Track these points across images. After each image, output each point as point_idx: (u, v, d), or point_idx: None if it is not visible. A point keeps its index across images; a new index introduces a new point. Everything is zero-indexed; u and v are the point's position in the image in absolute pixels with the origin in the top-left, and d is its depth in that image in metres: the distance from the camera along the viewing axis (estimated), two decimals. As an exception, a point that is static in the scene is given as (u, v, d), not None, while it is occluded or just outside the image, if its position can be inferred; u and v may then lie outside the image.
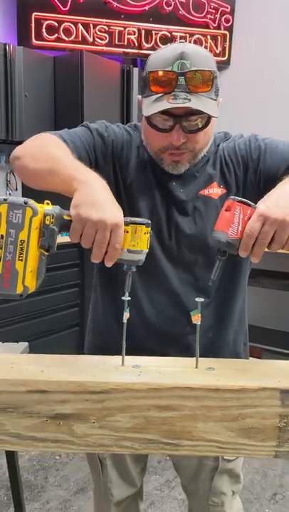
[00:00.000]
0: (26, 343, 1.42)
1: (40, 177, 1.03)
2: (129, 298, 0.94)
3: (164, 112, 1.05)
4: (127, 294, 0.93)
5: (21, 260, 0.86)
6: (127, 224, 0.88)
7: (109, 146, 1.19)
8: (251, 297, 4.46)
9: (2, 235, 0.85)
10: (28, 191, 3.99)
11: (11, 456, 1.41)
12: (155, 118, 1.08)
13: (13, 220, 0.84)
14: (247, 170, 1.18)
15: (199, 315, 0.94)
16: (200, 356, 0.96)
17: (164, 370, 0.94)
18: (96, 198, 0.88)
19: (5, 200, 0.85)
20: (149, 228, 0.90)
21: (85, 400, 0.89)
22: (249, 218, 0.88)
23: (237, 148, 1.20)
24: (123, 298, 0.93)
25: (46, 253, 0.88)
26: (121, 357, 0.96)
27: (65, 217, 0.89)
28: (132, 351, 0.96)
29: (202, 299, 0.93)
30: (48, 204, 0.90)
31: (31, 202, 0.86)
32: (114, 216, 0.86)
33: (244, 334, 1.33)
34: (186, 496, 1.43)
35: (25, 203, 0.85)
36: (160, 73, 1.04)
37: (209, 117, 1.08)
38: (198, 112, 1.05)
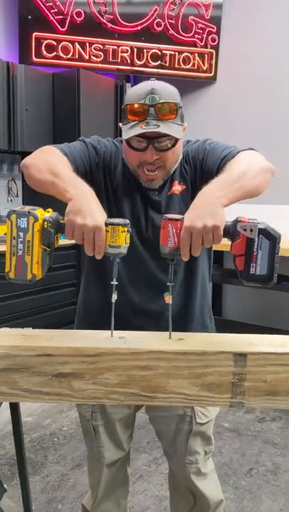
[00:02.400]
0: (31, 328, 1.63)
1: (43, 186, 1.27)
2: (117, 282, 1.18)
3: (139, 135, 1.29)
4: (114, 279, 1.17)
5: (29, 255, 1.11)
6: (107, 225, 1.12)
7: (101, 156, 1.44)
8: (238, 296, 4.72)
9: (14, 237, 1.11)
10: (27, 198, 4.26)
11: (16, 421, 1.63)
12: (132, 140, 1.33)
13: (20, 226, 1.10)
14: (196, 168, 1.42)
15: (170, 296, 1.19)
16: (175, 330, 1.20)
17: (143, 340, 1.17)
18: (82, 207, 1.12)
19: (14, 211, 1.12)
20: (126, 227, 1.13)
21: (82, 361, 1.11)
22: (180, 229, 1.09)
23: (190, 151, 1.44)
24: (112, 282, 1.17)
25: (48, 249, 1.14)
26: (110, 331, 1.19)
27: (61, 221, 1.15)
28: (119, 327, 1.19)
29: (173, 283, 1.18)
30: (48, 212, 1.16)
31: (33, 211, 1.11)
32: (95, 221, 1.09)
33: (208, 308, 1.56)
34: (167, 459, 1.64)
35: (29, 212, 1.11)
36: (135, 105, 1.29)
37: (176, 139, 1.33)
38: (166, 135, 1.30)
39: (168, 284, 1.17)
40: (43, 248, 1.13)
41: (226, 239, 1.15)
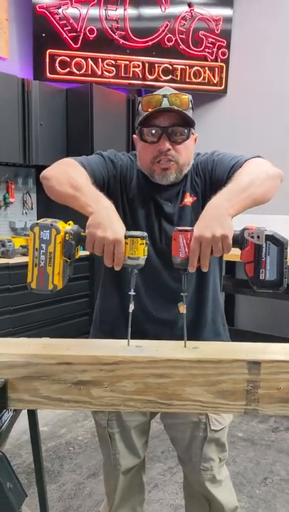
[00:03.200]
0: (48, 338, 1.66)
1: (63, 199, 1.32)
2: (134, 293, 1.21)
3: (152, 125, 1.37)
4: (132, 290, 1.21)
5: (50, 266, 1.15)
6: (126, 237, 1.16)
7: (118, 169, 1.49)
8: (250, 306, 4.74)
9: (36, 248, 1.15)
10: (41, 211, 4.33)
11: (34, 430, 1.66)
12: (146, 135, 1.39)
13: (43, 238, 1.14)
14: (206, 179, 1.47)
15: (184, 306, 1.22)
16: (188, 338, 1.22)
17: (160, 349, 1.20)
18: (102, 221, 1.17)
19: (37, 223, 1.16)
20: (144, 240, 1.16)
21: (100, 369, 1.14)
22: (190, 240, 1.14)
23: (199, 163, 1.49)
24: (130, 293, 1.21)
25: (69, 260, 1.18)
26: (126, 341, 1.23)
27: (82, 234, 1.19)
28: (134, 335, 1.22)
29: (186, 293, 1.21)
30: (69, 224, 1.20)
31: (55, 224, 1.15)
32: (115, 234, 1.14)
33: (221, 316, 1.59)
34: (181, 466, 1.66)
35: (51, 225, 1.15)
36: (149, 96, 1.37)
37: (188, 134, 1.40)
38: (179, 124, 1.37)
39: (182, 294, 1.21)
40: (64, 259, 1.16)
41: (236, 249, 1.18)
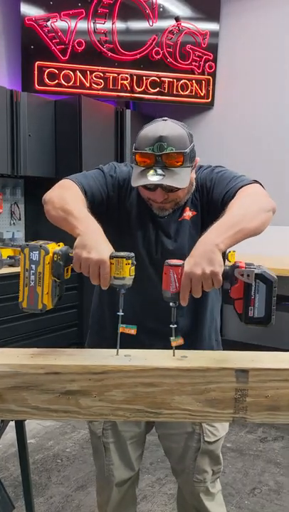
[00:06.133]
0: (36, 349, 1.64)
1: (58, 222, 1.35)
2: (123, 313, 1.23)
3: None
4: (120, 310, 1.22)
5: (40, 286, 1.18)
6: (112, 258, 1.18)
7: (116, 184, 1.50)
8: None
9: (27, 269, 1.18)
10: (29, 222, 4.30)
11: (22, 443, 1.65)
12: None
13: (33, 258, 1.18)
14: (203, 195, 1.48)
15: (177, 341, 1.22)
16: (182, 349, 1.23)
17: (148, 357, 1.21)
18: (88, 242, 1.19)
19: (27, 244, 1.19)
20: (130, 260, 1.18)
21: (89, 379, 1.14)
22: (181, 275, 1.15)
23: (199, 179, 1.50)
24: (118, 313, 1.22)
25: (58, 280, 1.21)
26: (115, 350, 1.23)
27: (70, 254, 1.21)
28: (128, 345, 1.23)
29: (176, 325, 1.22)
30: (59, 245, 1.22)
31: (45, 245, 1.18)
32: (99, 255, 1.16)
33: (215, 331, 1.61)
34: (175, 477, 1.66)
35: (40, 246, 1.18)
36: (144, 153, 1.35)
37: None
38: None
39: (171, 326, 1.21)
40: (53, 279, 1.19)
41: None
